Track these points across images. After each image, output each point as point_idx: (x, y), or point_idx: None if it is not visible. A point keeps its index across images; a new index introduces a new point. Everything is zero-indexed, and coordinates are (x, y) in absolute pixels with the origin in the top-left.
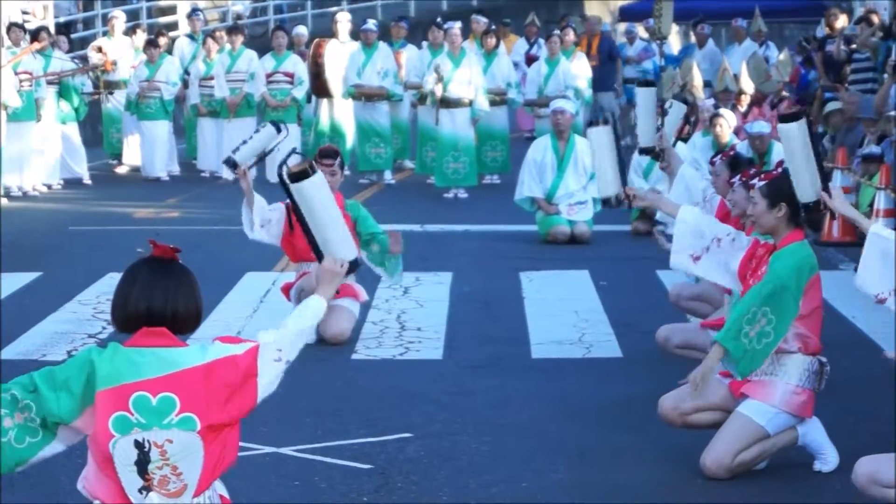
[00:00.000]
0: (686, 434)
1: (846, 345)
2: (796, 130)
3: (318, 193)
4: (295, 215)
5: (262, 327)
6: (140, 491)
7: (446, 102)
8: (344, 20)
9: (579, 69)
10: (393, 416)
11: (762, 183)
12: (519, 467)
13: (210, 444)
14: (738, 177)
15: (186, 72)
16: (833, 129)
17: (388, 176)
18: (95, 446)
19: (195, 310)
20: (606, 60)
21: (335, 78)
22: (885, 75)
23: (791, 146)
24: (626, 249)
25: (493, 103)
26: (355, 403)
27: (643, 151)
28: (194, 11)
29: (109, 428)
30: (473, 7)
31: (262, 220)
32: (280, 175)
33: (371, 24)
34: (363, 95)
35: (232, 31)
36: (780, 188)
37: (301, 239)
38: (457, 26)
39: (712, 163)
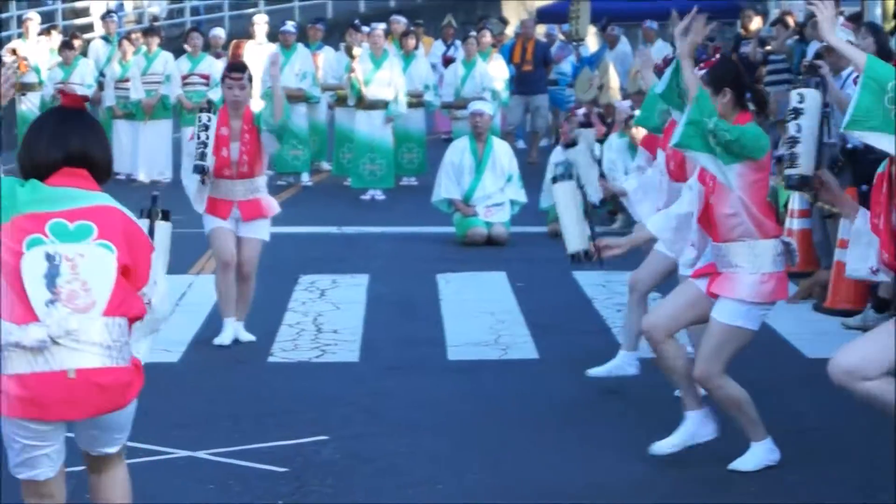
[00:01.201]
0: (602, 430)
1: (763, 347)
2: (810, 97)
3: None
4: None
5: (178, 330)
6: (47, 304)
7: (365, 104)
8: (261, 22)
9: (496, 71)
10: (309, 418)
11: (703, 72)
12: (435, 469)
13: (120, 271)
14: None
15: (102, 74)
16: None
17: (306, 178)
18: (4, 267)
19: (108, 159)
20: (541, 65)
21: (253, 80)
22: (801, 77)
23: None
24: (543, 251)
25: (410, 105)
26: (271, 406)
27: (573, 258)
28: (109, 13)
29: (23, 248)
30: (391, 8)
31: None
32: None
33: (289, 25)
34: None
35: (148, 32)
36: (721, 74)
37: (217, 154)
38: (380, 28)
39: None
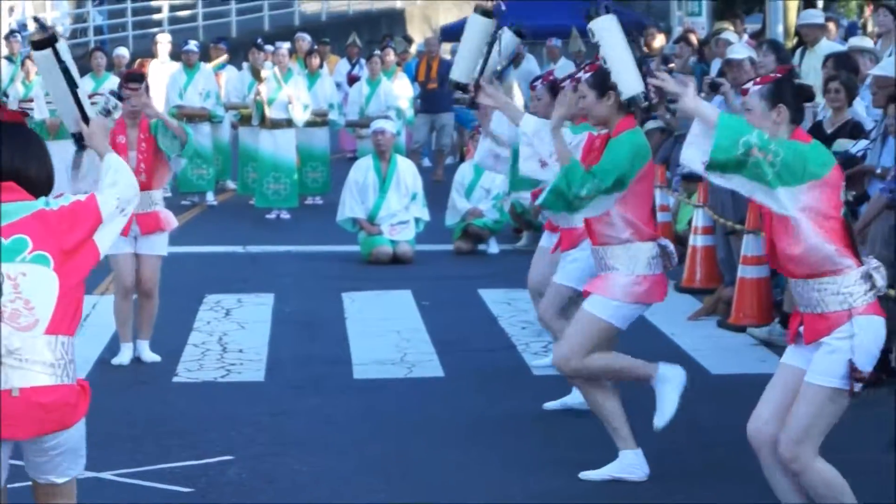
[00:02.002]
0: (507, 448)
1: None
2: (608, 22)
3: (67, 57)
4: (67, 82)
5: (81, 351)
6: None
7: (269, 123)
8: (164, 41)
9: (401, 89)
10: (214, 438)
11: (587, 75)
12: (340, 487)
13: (65, 283)
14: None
15: (5, 94)
16: (652, 148)
17: (211, 197)
18: None
19: (46, 173)
20: (446, 83)
21: (157, 99)
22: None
23: (608, 40)
24: (449, 269)
25: (314, 124)
26: (176, 426)
27: (457, 87)
28: (12, 33)
29: None
30: (295, 27)
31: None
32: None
33: (192, 45)
34: (185, 116)
35: None
36: (606, 78)
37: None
38: (285, 47)
39: (532, 87)
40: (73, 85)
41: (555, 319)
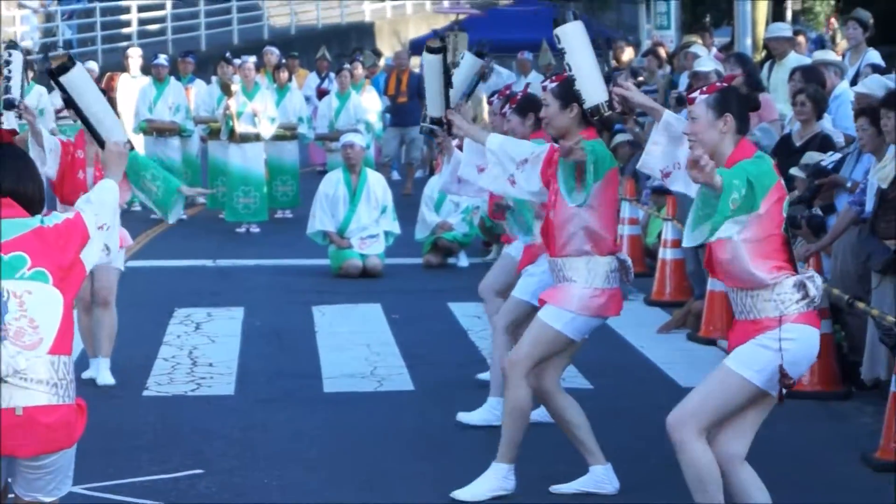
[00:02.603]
0: (477, 463)
1: (636, 373)
2: (575, 29)
3: (84, 83)
4: (73, 109)
5: None
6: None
7: (238, 137)
8: (135, 55)
9: (369, 103)
10: (184, 452)
11: (553, 84)
12: (310, 501)
13: (66, 301)
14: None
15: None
16: (622, 160)
17: (179, 211)
18: None
19: (38, 190)
20: (415, 96)
21: (126, 113)
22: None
23: (574, 47)
24: (418, 282)
25: (283, 138)
26: (146, 440)
27: (433, 121)
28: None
29: None
30: (264, 41)
31: (49, 152)
32: (49, 71)
33: (162, 59)
34: (155, 130)
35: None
36: (570, 89)
37: (72, 177)
38: (251, 60)
39: (489, 102)
40: (91, 108)
41: (501, 329)
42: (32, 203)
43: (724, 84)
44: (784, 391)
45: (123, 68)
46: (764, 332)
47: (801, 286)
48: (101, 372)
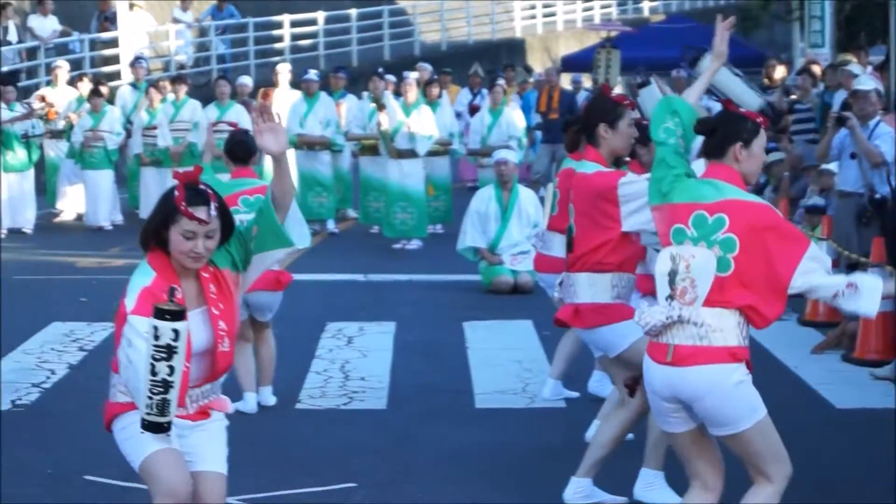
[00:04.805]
0: (626, 476)
1: (791, 396)
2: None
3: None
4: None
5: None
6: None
7: (396, 153)
8: (284, 70)
9: (517, 118)
10: (337, 465)
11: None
12: None
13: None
14: None
15: (129, 120)
16: (775, 179)
17: (332, 225)
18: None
19: None
20: (567, 113)
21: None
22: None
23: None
24: None
25: (436, 153)
26: (299, 453)
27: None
28: (138, 59)
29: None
30: (416, 57)
31: None
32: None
33: (312, 74)
34: (305, 144)
35: (175, 80)
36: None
37: None
38: (413, 76)
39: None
40: None
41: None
42: None
43: None
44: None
45: (274, 83)
46: None
47: None
48: (265, 396)
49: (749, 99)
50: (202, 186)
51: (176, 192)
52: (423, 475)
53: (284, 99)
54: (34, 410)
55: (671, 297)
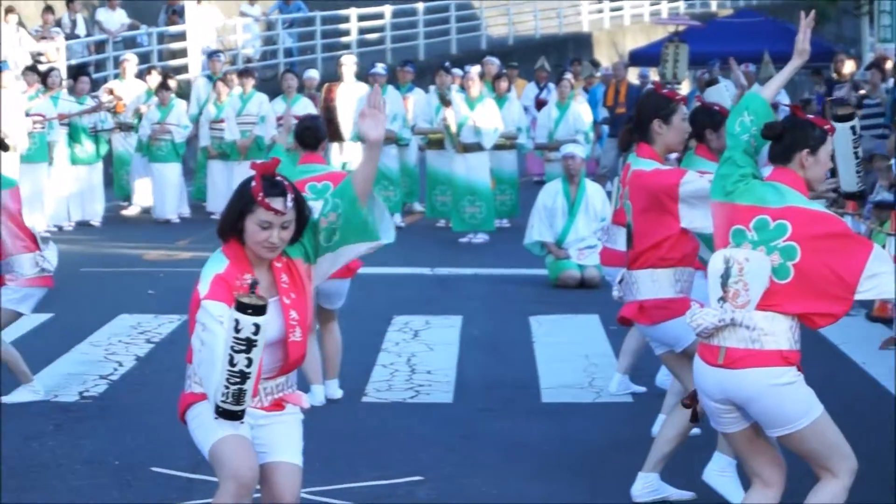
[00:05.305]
0: (698, 468)
1: (856, 389)
2: (843, 129)
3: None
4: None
5: None
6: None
7: (461, 147)
8: (349, 63)
9: (583, 113)
10: (403, 458)
11: None
12: None
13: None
14: None
15: (201, 112)
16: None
17: (398, 219)
18: None
19: None
20: (634, 107)
21: (345, 121)
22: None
23: (838, 139)
24: None
25: (502, 147)
26: (365, 446)
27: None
28: (216, 53)
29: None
30: (482, 51)
31: None
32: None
33: (380, 67)
34: None
35: (243, 74)
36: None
37: None
38: (474, 70)
39: None
40: None
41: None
42: None
43: None
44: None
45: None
46: None
47: None
48: (331, 389)
49: (849, 179)
50: (279, 178)
51: (253, 183)
52: (489, 469)
53: (349, 92)
54: (102, 402)
55: (723, 300)
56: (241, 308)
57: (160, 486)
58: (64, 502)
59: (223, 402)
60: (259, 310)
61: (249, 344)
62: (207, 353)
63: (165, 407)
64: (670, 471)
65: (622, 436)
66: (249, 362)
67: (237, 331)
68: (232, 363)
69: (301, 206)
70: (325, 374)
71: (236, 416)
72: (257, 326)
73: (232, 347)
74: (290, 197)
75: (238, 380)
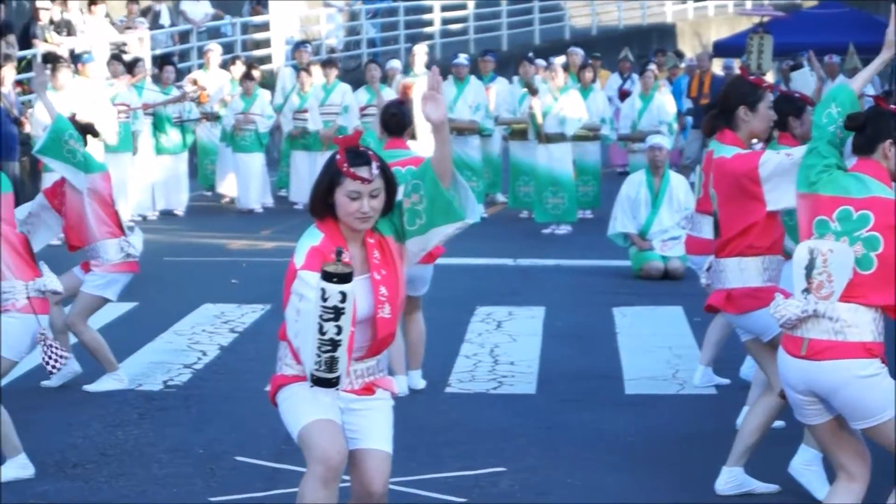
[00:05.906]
0: (783, 461)
1: None
2: None
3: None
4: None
5: None
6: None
7: (545, 137)
8: (420, 52)
9: (667, 104)
10: (486, 449)
11: None
12: (613, 502)
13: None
14: None
15: (286, 101)
16: None
17: (481, 209)
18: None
19: None
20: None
21: (421, 114)
22: None
23: None
24: None
25: (586, 138)
26: (448, 437)
27: None
28: (303, 43)
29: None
30: (566, 41)
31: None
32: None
33: (462, 58)
34: (455, 129)
35: (326, 64)
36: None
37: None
38: (558, 61)
39: None
40: None
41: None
42: None
43: None
44: None
45: (410, 66)
46: None
47: None
48: (414, 380)
49: None
50: (362, 148)
51: (338, 156)
52: (572, 460)
53: (422, 84)
54: (186, 391)
55: (807, 291)
56: (327, 277)
57: (244, 475)
58: (148, 491)
59: (316, 370)
60: (344, 277)
61: (337, 312)
62: (304, 322)
63: (249, 396)
64: (755, 465)
65: (706, 428)
66: (339, 330)
67: (324, 300)
68: (322, 331)
69: (388, 175)
70: (409, 364)
71: (331, 383)
72: (343, 294)
73: (321, 316)
74: (374, 165)
75: (329, 347)
